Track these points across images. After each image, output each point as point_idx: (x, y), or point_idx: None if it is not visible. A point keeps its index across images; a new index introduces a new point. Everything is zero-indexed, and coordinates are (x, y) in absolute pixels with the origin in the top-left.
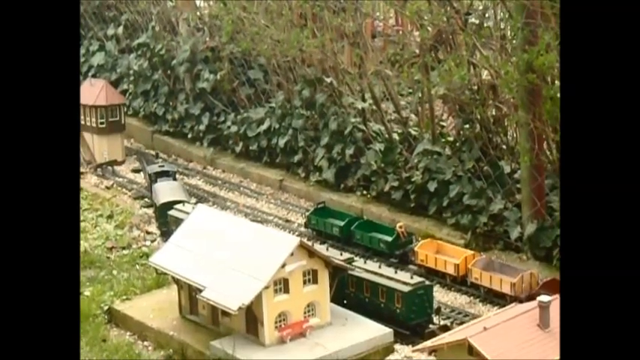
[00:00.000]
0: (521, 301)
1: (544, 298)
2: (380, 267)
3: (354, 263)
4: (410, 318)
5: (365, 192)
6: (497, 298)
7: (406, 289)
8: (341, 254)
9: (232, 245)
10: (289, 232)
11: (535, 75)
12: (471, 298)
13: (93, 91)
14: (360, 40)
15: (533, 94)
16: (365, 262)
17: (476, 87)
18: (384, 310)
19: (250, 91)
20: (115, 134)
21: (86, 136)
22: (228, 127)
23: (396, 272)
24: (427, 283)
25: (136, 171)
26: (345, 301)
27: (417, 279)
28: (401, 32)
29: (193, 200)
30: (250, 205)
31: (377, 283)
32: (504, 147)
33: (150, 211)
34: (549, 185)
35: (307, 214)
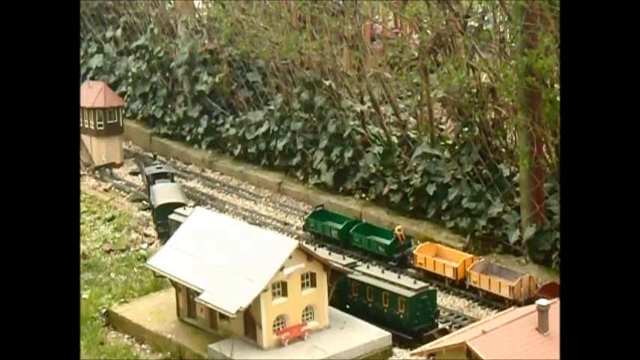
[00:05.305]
0: (519, 305)
1: (543, 301)
2: (383, 272)
3: (356, 268)
4: (413, 323)
5: (364, 195)
6: (495, 302)
7: (410, 294)
8: (344, 258)
9: (230, 248)
10: (288, 235)
11: (534, 78)
12: (470, 301)
13: (91, 94)
14: (359, 42)
15: (533, 97)
16: (367, 267)
17: (475, 90)
18: (387, 316)
19: (249, 93)
20: (114, 137)
21: (84, 138)
22: (227, 130)
23: (399, 277)
24: (431, 288)
25: (134, 173)
26: (347, 306)
27: (420, 284)
28: (400, 35)
29: (191, 203)
30: (249, 208)
31: (380, 289)
32: (503, 150)
33: (148, 214)
34: (548, 189)
35: (306, 217)
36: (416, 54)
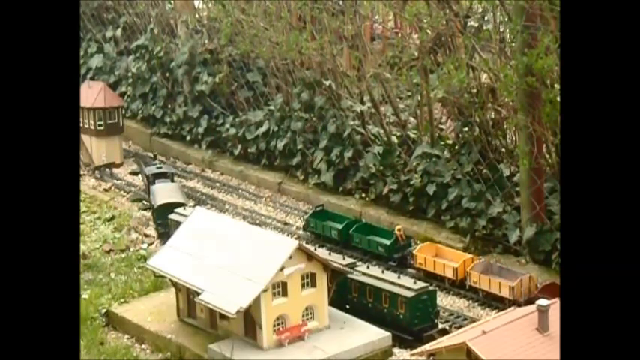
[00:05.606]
0: (519, 305)
1: (543, 301)
2: (383, 272)
3: (356, 268)
4: (413, 323)
5: (364, 195)
6: (495, 302)
7: (410, 294)
8: (344, 258)
9: (230, 248)
10: (288, 235)
11: (534, 78)
12: (470, 301)
13: (91, 94)
14: (359, 42)
15: (533, 97)
16: (367, 267)
17: (475, 90)
18: (387, 316)
19: (249, 93)
20: (114, 137)
21: (84, 138)
22: (227, 130)
23: (399, 277)
24: (431, 288)
25: (134, 173)
26: (347, 306)
27: (420, 284)
28: (400, 35)
29: (191, 203)
30: (249, 208)
31: (380, 288)
32: (503, 150)
33: (148, 214)
34: (548, 189)
35: (306, 217)
36: (416, 54)
